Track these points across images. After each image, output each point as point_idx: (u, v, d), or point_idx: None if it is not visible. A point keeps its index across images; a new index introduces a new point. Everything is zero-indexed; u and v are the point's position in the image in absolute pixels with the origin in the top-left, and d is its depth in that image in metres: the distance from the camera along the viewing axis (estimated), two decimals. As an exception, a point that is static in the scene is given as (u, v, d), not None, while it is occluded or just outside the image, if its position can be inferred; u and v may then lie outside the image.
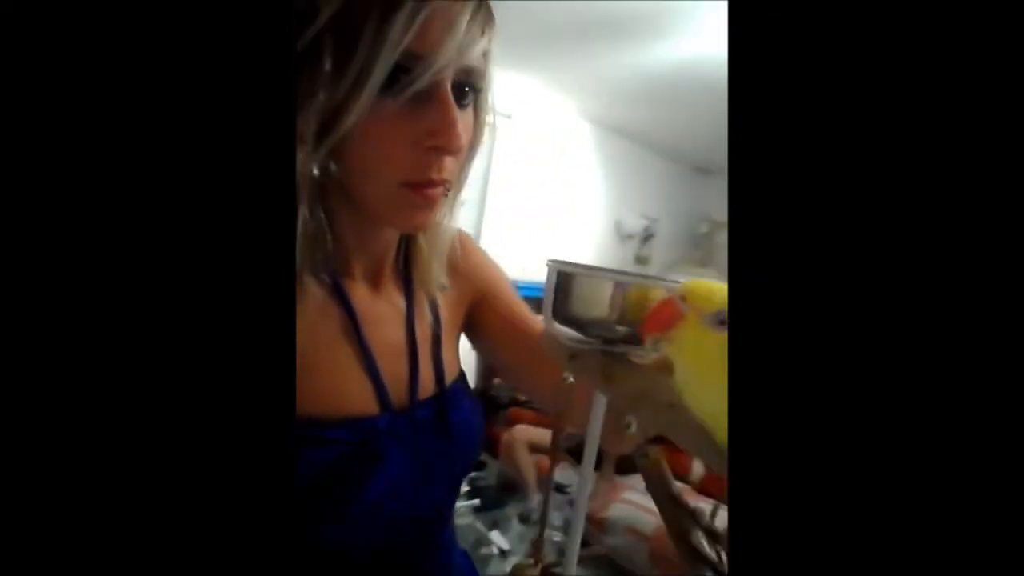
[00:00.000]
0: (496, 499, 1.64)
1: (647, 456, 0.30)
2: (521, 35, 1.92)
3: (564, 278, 0.39)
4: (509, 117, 2.45)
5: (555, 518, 1.53)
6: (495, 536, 1.45)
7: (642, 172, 3.13)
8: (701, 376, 0.24)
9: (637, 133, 2.88)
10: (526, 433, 1.69)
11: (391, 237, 0.44)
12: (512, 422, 1.85)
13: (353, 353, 0.40)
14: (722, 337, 0.23)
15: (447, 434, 0.44)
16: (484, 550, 1.41)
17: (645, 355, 0.34)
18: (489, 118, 0.42)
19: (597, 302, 0.37)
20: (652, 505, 0.23)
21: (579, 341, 0.37)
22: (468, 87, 0.36)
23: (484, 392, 2.17)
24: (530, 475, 1.59)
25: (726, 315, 0.23)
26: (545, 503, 0.42)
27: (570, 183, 2.84)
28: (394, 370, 0.42)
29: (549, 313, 0.40)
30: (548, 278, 0.40)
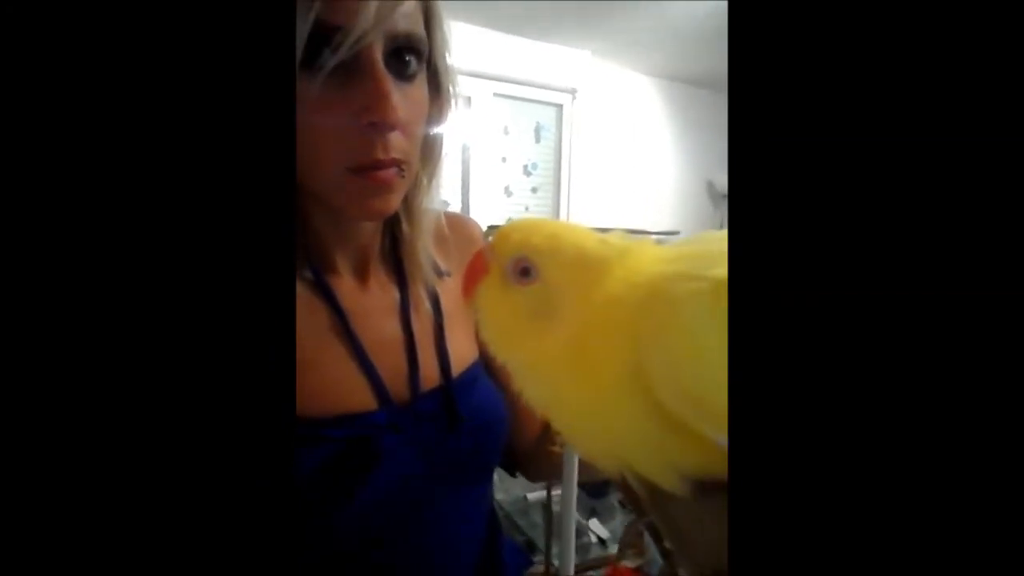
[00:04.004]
0: (599, 487, 1.59)
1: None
2: (560, 5, 1.84)
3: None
4: (573, 94, 2.37)
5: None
6: (593, 524, 1.41)
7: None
8: (509, 347, 0.19)
9: (716, 80, 2.60)
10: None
11: (371, 227, 0.42)
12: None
13: (344, 349, 0.39)
14: (524, 291, 0.17)
15: (456, 425, 0.41)
16: (583, 539, 1.38)
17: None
18: (451, 85, 0.39)
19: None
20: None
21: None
22: (408, 56, 0.33)
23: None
24: None
25: (530, 260, 0.17)
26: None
27: (652, 147, 2.66)
28: (391, 363, 0.40)
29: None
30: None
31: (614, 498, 1.53)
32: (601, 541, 1.36)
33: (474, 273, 0.20)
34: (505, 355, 0.19)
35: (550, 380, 0.18)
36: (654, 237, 0.32)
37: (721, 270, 0.15)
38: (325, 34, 0.29)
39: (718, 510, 0.15)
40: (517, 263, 0.18)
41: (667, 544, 0.17)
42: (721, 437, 0.14)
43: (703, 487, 0.15)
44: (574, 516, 0.38)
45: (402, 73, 0.33)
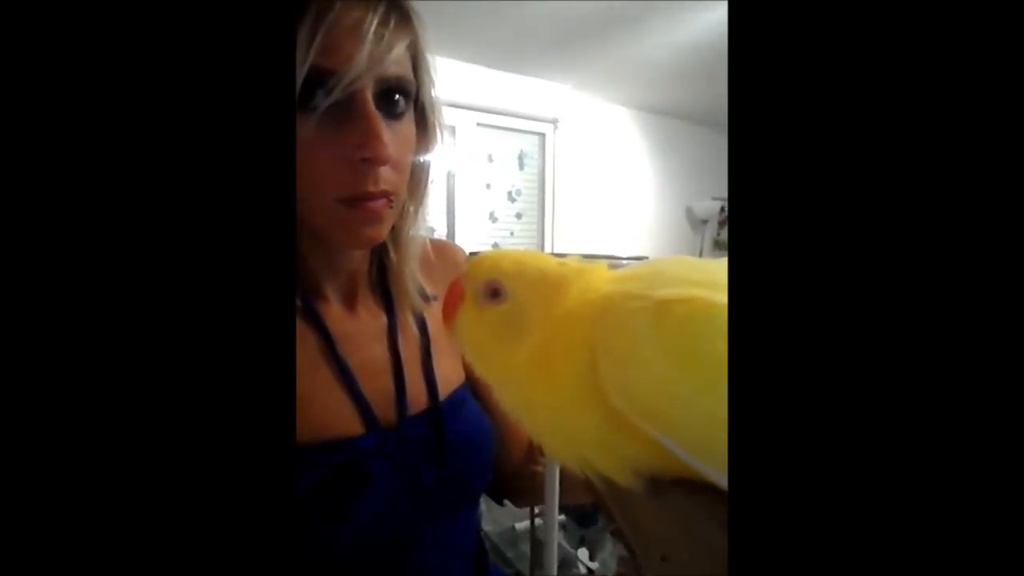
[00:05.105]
0: (589, 515, 1.57)
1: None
2: (542, 41, 1.92)
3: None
4: (555, 124, 2.44)
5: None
6: (581, 555, 1.39)
7: (705, 151, 2.93)
8: (486, 363, 0.21)
9: (690, 111, 2.72)
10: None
11: (359, 255, 0.44)
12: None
13: (332, 375, 0.40)
14: (496, 311, 0.19)
15: (443, 446, 0.42)
16: (573, 570, 1.36)
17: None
18: (436, 121, 0.41)
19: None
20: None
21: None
22: (397, 96, 0.35)
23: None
24: None
25: (499, 283, 0.20)
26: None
27: (632, 175, 2.74)
28: (379, 388, 0.41)
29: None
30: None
31: (605, 527, 1.51)
32: (590, 571, 1.34)
33: (452, 300, 0.22)
34: (483, 369, 0.21)
35: (521, 387, 0.20)
36: (625, 261, 0.35)
37: (664, 291, 0.17)
38: (320, 78, 0.31)
39: (670, 505, 0.16)
40: (488, 286, 0.20)
41: (632, 544, 0.18)
42: (661, 435, 0.15)
43: (655, 484, 0.17)
44: (556, 534, 0.39)
45: (391, 112, 0.35)
